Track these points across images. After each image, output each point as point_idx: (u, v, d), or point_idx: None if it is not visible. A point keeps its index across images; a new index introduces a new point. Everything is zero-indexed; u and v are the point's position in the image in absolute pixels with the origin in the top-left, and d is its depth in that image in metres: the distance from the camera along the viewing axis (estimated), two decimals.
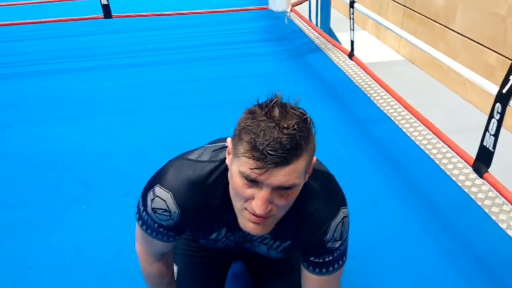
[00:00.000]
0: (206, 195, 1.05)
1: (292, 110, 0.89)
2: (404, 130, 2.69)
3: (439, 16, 3.33)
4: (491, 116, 1.69)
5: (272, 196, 0.90)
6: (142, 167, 2.18)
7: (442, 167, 2.32)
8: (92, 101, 3.21)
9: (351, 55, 3.07)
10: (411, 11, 3.71)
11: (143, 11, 4.45)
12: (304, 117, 0.89)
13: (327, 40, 3.82)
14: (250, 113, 0.90)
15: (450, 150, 2.13)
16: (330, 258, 1.11)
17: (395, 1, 3.98)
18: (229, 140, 0.97)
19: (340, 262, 1.14)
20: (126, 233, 1.68)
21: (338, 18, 4.69)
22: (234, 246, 1.23)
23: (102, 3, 3.89)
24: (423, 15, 3.54)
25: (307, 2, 4.54)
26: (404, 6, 3.81)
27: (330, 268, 1.12)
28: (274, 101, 0.89)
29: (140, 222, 1.15)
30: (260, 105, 0.90)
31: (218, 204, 1.07)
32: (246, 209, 0.94)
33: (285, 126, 0.85)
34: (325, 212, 1.07)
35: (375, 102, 3.05)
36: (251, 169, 0.86)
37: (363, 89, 3.24)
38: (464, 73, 2.02)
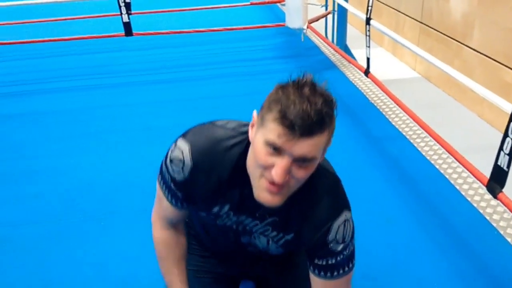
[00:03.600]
0: (220, 158, 1.10)
1: (320, 90, 0.95)
2: (419, 148, 2.68)
3: (456, 33, 3.33)
4: (505, 135, 1.67)
5: (291, 166, 0.95)
6: None
7: (457, 187, 2.30)
8: (112, 118, 3.28)
9: (367, 72, 3.09)
10: (428, 27, 3.72)
11: (162, 29, 4.55)
12: (330, 98, 0.96)
13: (343, 57, 3.84)
14: (281, 87, 0.96)
15: (465, 170, 2.12)
16: (334, 261, 1.12)
17: (412, 18, 3.99)
18: (254, 113, 1.03)
19: (346, 269, 1.14)
20: (144, 249, 1.72)
21: (354, 35, 4.72)
22: (233, 237, 1.24)
23: (124, 21, 3.98)
24: (440, 32, 3.54)
25: (323, 19, 4.58)
26: (421, 22, 3.82)
27: (335, 273, 1.13)
28: (305, 79, 0.95)
29: (159, 177, 1.22)
30: (292, 82, 0.96)
31: (226, 175, 1.10)
32: (263, 176, 0.98)
33: (314, 102, 0.91)
34: (329, 211, 1.10)
35: (390, 120, 3.06)
36: (278, 136, 0.92)
37: (378, 107, 3.25)
38: (479, 91, 2.01)
